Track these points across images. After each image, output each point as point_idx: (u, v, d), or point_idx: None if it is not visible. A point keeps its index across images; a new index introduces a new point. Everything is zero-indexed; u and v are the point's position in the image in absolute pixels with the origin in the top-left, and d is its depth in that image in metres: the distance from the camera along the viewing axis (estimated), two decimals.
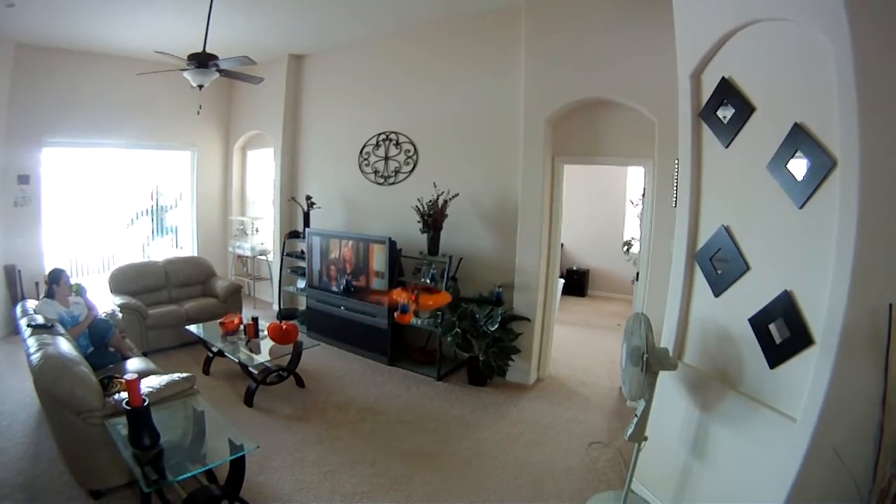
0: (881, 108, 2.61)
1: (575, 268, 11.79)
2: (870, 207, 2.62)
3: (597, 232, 11.66)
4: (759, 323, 3.27)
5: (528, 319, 6.44)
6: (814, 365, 2.87)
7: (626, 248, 11.06)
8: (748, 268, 3.40)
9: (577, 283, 11.61)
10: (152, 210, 10.32)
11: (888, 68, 2.60)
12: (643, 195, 6.11)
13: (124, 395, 3.63)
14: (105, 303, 6.86)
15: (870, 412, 2.71)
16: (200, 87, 5.81)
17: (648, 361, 3.43)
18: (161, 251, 10.18)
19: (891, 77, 2.60)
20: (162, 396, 4.06)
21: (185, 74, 5.74)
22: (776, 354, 3.16)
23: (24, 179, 8.06)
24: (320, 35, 8.19)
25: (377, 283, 7.09)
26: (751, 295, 3.35)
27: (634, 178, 11.22)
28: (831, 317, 2.76)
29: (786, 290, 3.09)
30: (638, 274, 6.09)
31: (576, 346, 8.08)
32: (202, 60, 5.60)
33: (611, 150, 6.19)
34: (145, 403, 3.47)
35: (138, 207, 10.11)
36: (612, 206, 11.68)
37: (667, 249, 5.27)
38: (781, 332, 3.14)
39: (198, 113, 7.35)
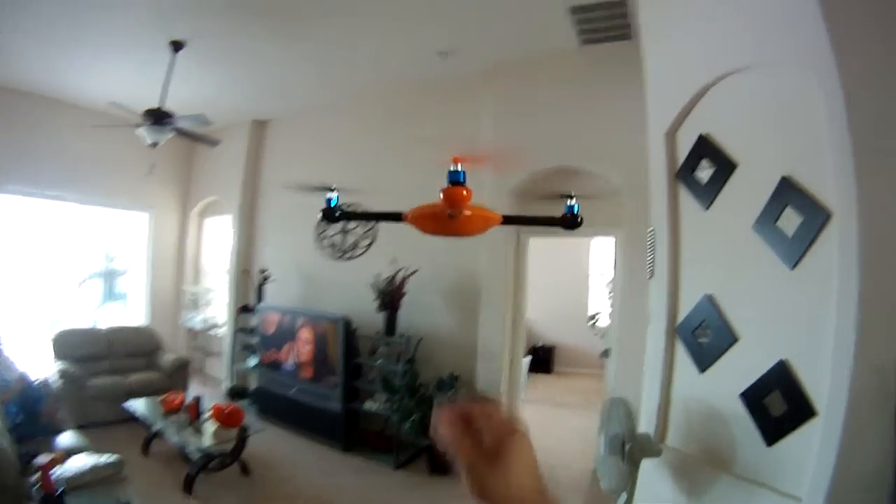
0: (877, 152, 2.43)
1: (540, 344, 11.48)
2: (872, 258, 2.40)
3: (561, 306, 11.39)
4: (752, 398, 2.93)
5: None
6: (818, 437, 2.57)
7: (591, 322, 10.83)
8: (736, 339, 3.08)
9: (542, 359, 11.26)
10: (104, 273, 9.80)
11: (881, 110, 2.44)
12: (614, 266, 5.86)
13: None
14: (44, 367, 6.41)
15: (879, 479, 2.43)
16: (154, 144, 5.60)
17: (631, 451, 3.07)
18: (111, 317, 9.55)
19: (884, 118, 2.44)
20: (83, 482, 3.63)
21: (139, 131, 5.54)
22: (774, 430, 2.83)
23: None
24: (283, 101, 8.10)
25: (331, 366, 6.70)
26: (741, 368, 3.02)
27: (598, 249, 11.11)
28: (836, 383, 2.49)
29: (781, 360, 2.78)
30: (608, 350, 5.78)
31: (544, 426, 7.70)
32: (157, 117, 5.42)
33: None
34: (59, 492, 3.04)
35: (90, 269, 9.57)
36: (576, 280, 11.51)
37: (640, 323, 4.98)
38: (778, 405, 2.81)
39: (149, 173, 7.04)
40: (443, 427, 0.83)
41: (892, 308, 2.43)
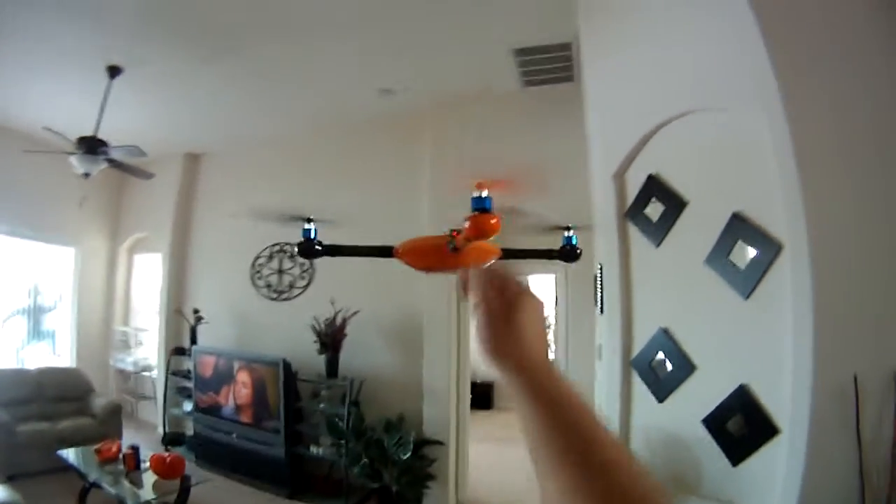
0: (825, 186, 2.62)
1: (479, 380, 11.39)
2: (824, 284, 2.57)
3: None
4: (714, 422, 3.06)
5: (442, 443, 6.04)
6: (784, 453, 2.71)
7: None
8: (694, 368, 3.21)
9: (482, 395, 11.12)
10: (29, 309, 9.10)
11: (827, 146, 2.64)
12: (555, 303, 5.98)
13: None
14: None
15: (848, 487, 2.57)
16: (87, 175, 5.42)
17: None
18: (37, 357, 8.94)
19: (830, 154, 2.64)
20: None
21: (72, 160, 5.34)
22: (738, 451, 2.96)
23: None
24: (219, 135, 7.95)
25: (272, 410, 6.54)
26: (701, 395, 3.15)
27: (533, 285, 11.21)
28: (797, 402, 2.64)
29: (741, 384, 2.92)
30: None
31: (491, 463, 7.67)
32: (91, 146, 5.24)
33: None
34: None
35: (14, 305, 8.85)
36: None
37: (587, 356, 5.13)
38: (741, 427, 2.95)
39: (80, 206, 6.71)
40: (471, 281, 0.88)
41: (845, 329, 2.60)
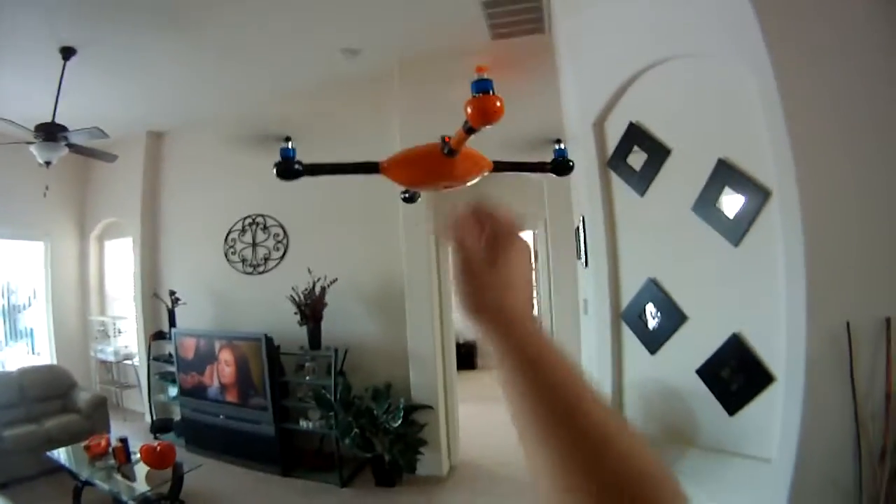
0: (812, 132, 2.57)
1: (461, 340, 11.36)
2: (814, 229, 2.55)
3: None
4: (709, 372, 3.03)
5: (431, 407, 5.98)
6: (781, 400, 2.70)
7: None
8: (685, 318, 3.16)
9: (466, 356, 11.05)
10: (4, 310, 8.88)
11: (814, 92, 2.59)
12: (536, 259, 5.91)
13: None
14: None
15: (844, 432, 2.58)
16: (48, 163, 5.24)
17: None
18: (15, 358, 8.67)
19: (817, 100, 2.59)
20: None
21: (32, 149, 5.15)
22: (734, 400, 2.95)
23: None
24: (182, 107, 7.63)
25: (257, 387, 6.42)
26: (693, 345, 3.12)
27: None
28: (792, 348, 2.63)
29: (734, 334, 2.90)
30: None
31: (481, 424, 7.63)
32: (50, 132, 5.04)
33: None
34: None
35: None
36: None
37: (571, 312, 5.10)
38: (736, 376, 2.92)
39: (44, 195, 6.46)
40: (451, 227, 0.78)
41: (837, 274, 2.56)
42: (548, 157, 3.52)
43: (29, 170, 6.45)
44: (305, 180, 6.00)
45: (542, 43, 5.37)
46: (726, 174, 2.85)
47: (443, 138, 3.04)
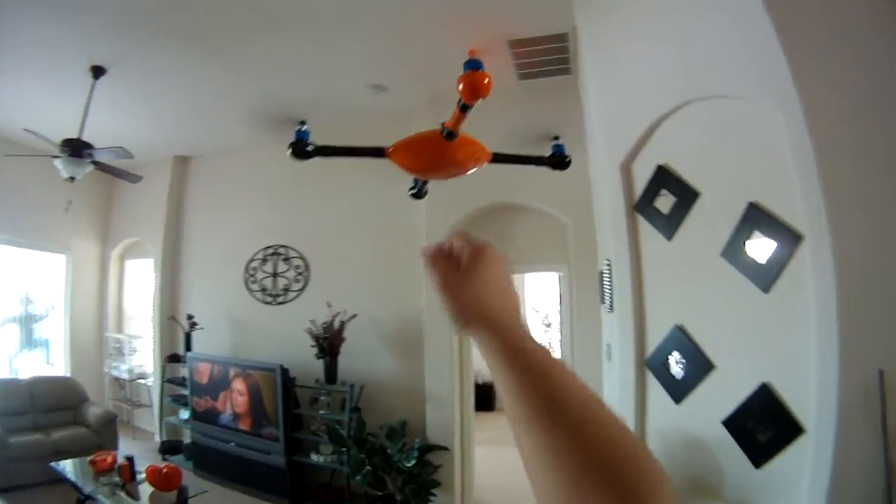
0: (845, 175, 2.51)
1: (480, 381, 11.20)
2: (847, 275, 2.47)
3: None
4: (735, 423, 2.92)
5: (447, 448, 5.88)
6: (810, 453, 2.59)
7: None
8: (713, 367, 3.06)
9: (483, 397, 10.91)
10: (21, 318, 8.86)
11: (845, 133, 2.54)
12: (559, 302, 5.83)
13: None
14: None
15: (875, 486, 2.46)
16: (72, 179, 5.31)
17: None
18: (30, 367, 8.71)
19: (850, 142, 2.53)
20: None
21: (57, 163, 5.21)
22: (762, 452, 2.83)
23: None
24: (208, 135, 7.73)
25: (270, 417, 6.33)
26: (720, 395, 3.01)
27: (533, 284, 11.12)
28: (823, 399, 2.53)
29: (763, 383, 2.79)
30: None
31: (497, 467, 7.44)
32: (76, 148, 5.11)
33: (521, 257, 5.94)
34: None
35: (5, 313, 8.61)
36: None
37: (593, 356, 5.00)
38: (764, 427, 2.80)
39: (66, 209, 6.51)
40: (426, 258, 0.86)
41: (870, 321, 2.47)
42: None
43: (54, 184, 6.50)
44: (330, 218, 6.19)
45: (568, 83, 5.36)
46: (756, 218, 2.78)
47: (442, 124, 3.28)
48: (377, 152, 3.83)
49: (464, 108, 3.11)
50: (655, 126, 3.39)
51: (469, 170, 3.83)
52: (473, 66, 2.92)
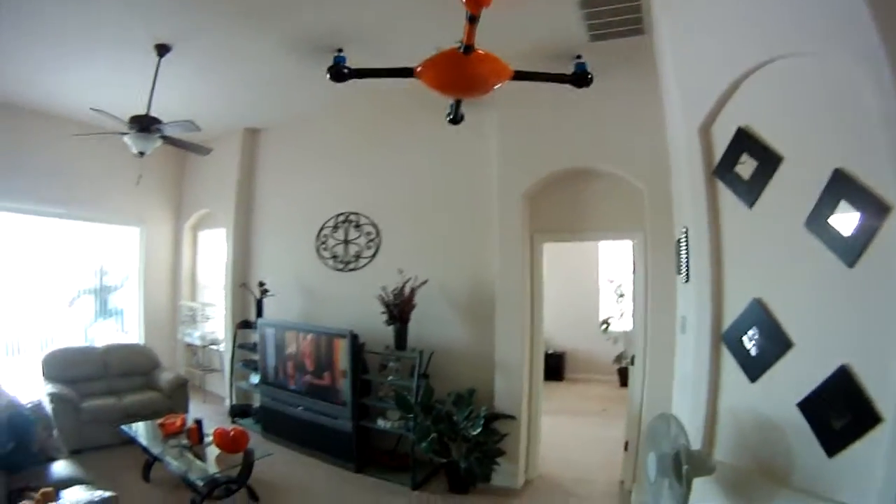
0: None
1: (550, 351, 11.03)
2: None
3: (570, 311, 10.98)
4: (810, 407, 2.71)
5: (513, 417, 5.81)
6: (886, 444, 2.35)
7: (604, 326, 10.62)
8: (791, 344, 2.85)
9: (553, 366, 10.85)
10: (96, 289, 9.34)
11: None
12: (633, 271, 5.63)
13: None
14: (33, 391, 6.00)
15: None
16: (142, 154, 5.46)
17: (686, 472, 2.84)
18: (104, 334, 9.20)
19: None
20: None
21: (126, 139, 5.36)
22: (835, 440, 2.60)
23: None
24: (277, 107, 7.80)
25: (339, 383, 6.39)
26: (797, 375, 2.80)
27: (607, 252, 10.93)
28: None
29: (842, 366, 2.56)
30: (633, 358, 5.55)
31: (563, 438, 7.42)
32: (144, 124, 5.24)
33: (595, 224, 5.80)
34: None
35: (81, 285, 9.11)
36: (586, 284, 11.30)
37: (667, 328, 4.83)
38: (840, 413, 2.58)
39: (137, 183, 6.66)
40: None
41: None
42: None
43: (126, 160, 6.76)
44: (401, 185, 6.24)
45: (642, 44, 5.14)
46: (843, 186, 2.54)
47: (459, 41, 3.47)
48: (406, 72, 4.06)
49: (471, 20, 3.22)
50: (735, 87, 3.17)
51: (493, 86, 4.05)
52: None
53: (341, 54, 4.35)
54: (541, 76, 4.65)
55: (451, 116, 4.96)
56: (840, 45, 2.51)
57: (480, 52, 3.64)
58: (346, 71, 4.35)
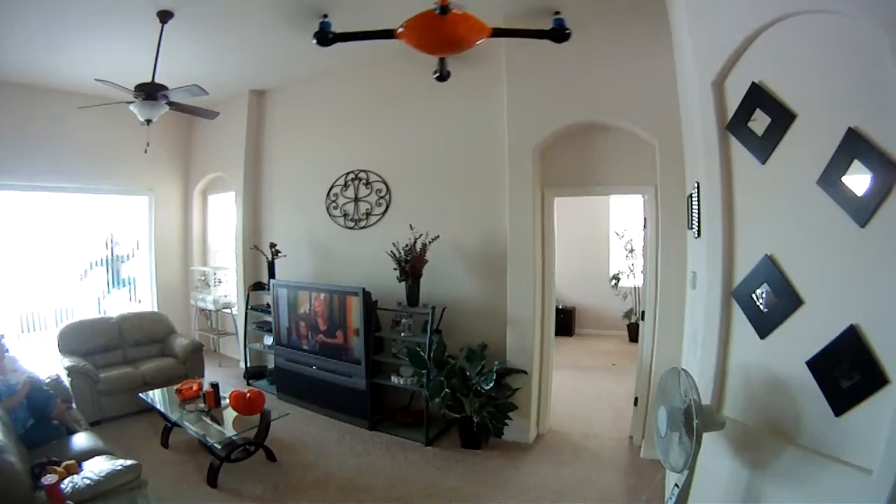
0: None
1: (560, 306, 11.08)
2: None
3: (580, 267, 11.07)
4: (819, 365, 2.70)
5: (525, 372, 5.86)
6: (892, 406, 2.35)
7: (614, 282, 10.64)
8: (801, 302, 2.83)
9: (563, 321, 10.94)
10: (107, 260, 9.51)
11: None
12: (644, 226, 5.62)
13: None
14: (50, 365, 6.17)
15: None
16: (149, 122, 5.45)
17: (697, 426, 2.86)
18: (118, 304, 9.38)
19: None
20: (101, 492, 3.39)
21: (132, 108, 5.35)
22: (842, 399, 2.60)
23: None
24: (284, 67, 7.72)
25: (352, 341, 6.45)
26: (806, 333, 2.79)
27: (618, 207, 10.89)
28: None
29: (851, 325, 2.54)
30: (643, 313, 5.56)
31: (572, 393, 7.50)
32: (150, 91, 5.22)
33: (606, 178, 5.77)
34: None
35: (92, 257, 9.29)
36: (596, 239, 11.33)
37: (677, 284, 4.83)
38: (848, 373, 2.57)
39: (145, 151, 6.66)
40: None
41: None
42: None
43: (133, 128, 6.71)
44: (410, 141, 6.31)
45: None
46: (856, 145, 2.49)
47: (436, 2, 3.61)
48: (388, 34, 4.22)
49: None
50: (750, 41, 3.09)
51: (473, 43, 4.19)
52: None
53: (327, 20, 4.65)
54: (519, 32, 4.80)
55: (438, 74, 5.03)
56: (860, 4, 2.45)
57: (457, 12, 3.78)
58: (330, 36, 4.60)
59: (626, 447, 5.73)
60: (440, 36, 4.03)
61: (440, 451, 5.75)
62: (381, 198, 7.23)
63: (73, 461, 3.64)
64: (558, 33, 4.64)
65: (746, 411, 3.20)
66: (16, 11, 5.33)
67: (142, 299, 9.88)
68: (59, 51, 6.43)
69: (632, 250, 10.58)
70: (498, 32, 4.27)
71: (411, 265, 6.24)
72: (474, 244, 6.46)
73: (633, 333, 10.12)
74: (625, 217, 10.85)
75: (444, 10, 3.62)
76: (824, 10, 2.65)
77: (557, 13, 4.65)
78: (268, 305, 7.90)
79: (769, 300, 3.03)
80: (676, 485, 3.11)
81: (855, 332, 2.53)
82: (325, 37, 4.59)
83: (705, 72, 3.41)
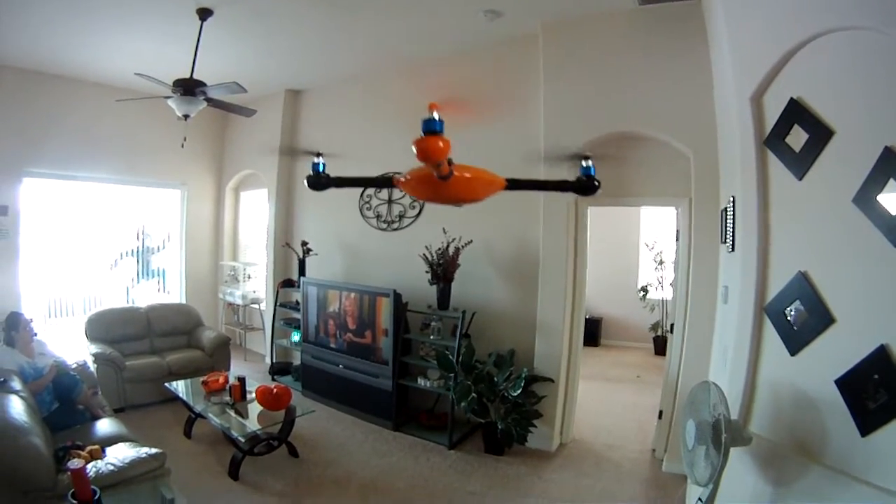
0: None
1: (587, 316, 11.03)
2: None
3: (609, 277, 10.92)
4: (849, 384, 2.69)
5: (552, 380, 5.85)
6: None
7: (642, 294, 10.57)
8: (833, 320, 2.83)
9: (589, 331, 10.70)
10: (138, 251, 9.64)
11: None
12: (676, 238, 5.59)
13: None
14: (77, 351, 6.29)
15: None
16: (186, 117, 5.53)
17: (726, 441, 2.86)
18: (146, 295, 9.50)
19: None
20: (124, 478, 3.44)
21: (170, 103, 5.44)
22: (870, 420, 2.59)
23: (1, 210, 7.50)
24: (320, 68, 7.83)
25: (380, 341, 6.48)
26: (837, 352, 2.78)
27: (648, 218, 10.82)
28: None
29: (882, 345, 2.53)
30: (672, 326, 5.54)
31: (597, 403, 7.46)
32: (188, 87, 5.28)
33: (640, 189, 5.74)
34: (96, 497, 2.87)
35: (123, 247, 9.43)
36: (625, 249, 11.26)
37: (708, 298, 4.84)
38: (877, 393, 2.56)
39: (182, 146, 6.73)
40: None
41: None
42: None
43: (168, 123, 6.90)
44: (449, 137, 6.08)
45: (694, 9, 5.01)
46: (892, 164, 2.49)
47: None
48: (385, 182, 3.99)
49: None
50: (789, 56, 3.11)
51: (484, 197, 3.77)
52: (428, 128, 2.76)
53: (320, 161, 4.12)
54: (538, 185, 4.56)
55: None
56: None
57: (465, 175, 3.32)
58: (324, 181, 4.05)
59: (648, 460, 5.69)
60: (439, 195, 3.64)
61: (463, 455, 5.75)
62: (416, 200, 7.23)
63: (97, 446, 3.71)
64: (587, 185, 3.66)
65: (773, 427, 3.20)
66: (61, 5, 5.46)
67: (170, 291, 10.02)
68: (99, 45, 6.59)
69: (661, 262, 10.51)
70: (513, 184, 3.74)
71: (443, 269, 6.27)
72: (507, 250, 6.46)
73: (659, 346, 10.05)
74: (655, 228, 10.76)
75: (444, 178, 3.13)
76: (857, 27, 2.66)
77: (587, 158, 3.70)
78: (296, 302, 7.98)
79: (800, 317, 3.03)
80: (700, 499, 3.10)
81: (885, 352, 2.52)
82: (319, 181, 4.01)
83: (744, 86, 3.42)
